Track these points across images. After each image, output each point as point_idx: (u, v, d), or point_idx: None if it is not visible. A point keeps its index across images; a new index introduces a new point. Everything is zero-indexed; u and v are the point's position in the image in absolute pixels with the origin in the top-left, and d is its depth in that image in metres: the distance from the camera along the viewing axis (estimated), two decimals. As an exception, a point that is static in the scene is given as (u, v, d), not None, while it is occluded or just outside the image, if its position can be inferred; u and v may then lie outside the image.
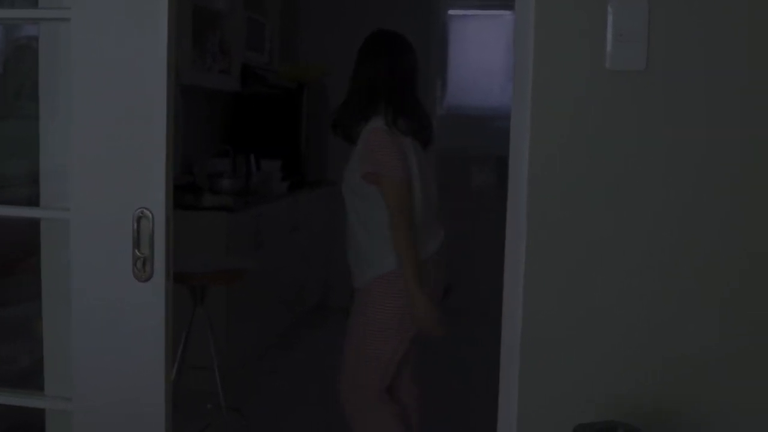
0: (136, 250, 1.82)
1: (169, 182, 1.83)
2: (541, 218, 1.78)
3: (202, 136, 5.46)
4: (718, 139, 1.74)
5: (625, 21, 1.72)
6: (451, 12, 6.34)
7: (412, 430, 3.08)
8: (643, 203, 1.76)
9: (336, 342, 3.18)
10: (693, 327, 1.77)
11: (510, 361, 1.84)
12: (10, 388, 2.17)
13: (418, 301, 2.77)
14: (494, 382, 1.88)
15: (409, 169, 2.81)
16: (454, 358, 5.01)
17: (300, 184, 5.56)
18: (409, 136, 2.86)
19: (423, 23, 6.31)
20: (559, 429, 1.77)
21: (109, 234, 1.84)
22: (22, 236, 2.30)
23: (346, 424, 3.05)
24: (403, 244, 2.77)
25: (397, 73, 2.91)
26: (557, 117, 1.77)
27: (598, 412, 1.77)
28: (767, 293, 1.76)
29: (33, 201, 2.05)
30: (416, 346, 3.02)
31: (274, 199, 5.14)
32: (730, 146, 1.74)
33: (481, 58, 6.15)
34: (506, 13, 6.06)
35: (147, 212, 1.81)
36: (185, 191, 4.73)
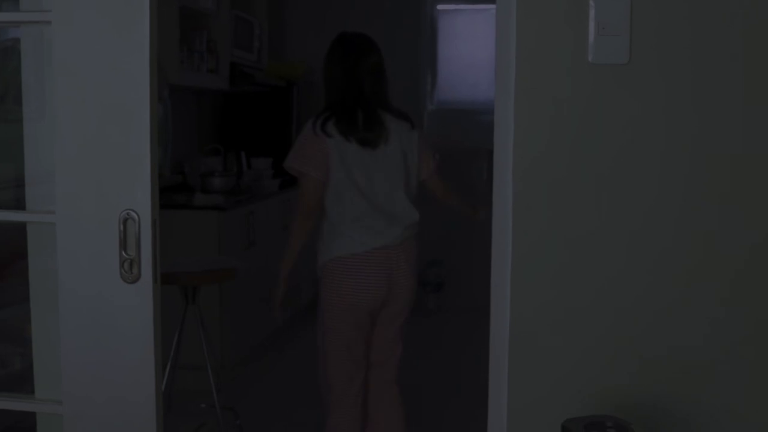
0: (123, 252, 1.82)
1: (154, 183, 1.83)
2: (527, 213, 1.78)
3: (192, 135, 5.45)
4: (703, 132, 1.73)
5: (608, 14, 1.72)
6: (439, 7, 6.35)
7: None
8: (628, 197, 1.76)
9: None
10: (679, 322, 1.77)
11: (499, 356, 1.84)
12: (0, 391, 2.16)
13: (278, 281, 3.11)
14: (486, 378, 1.88)
15: (328, 169, 2.89)
16: (447, 355, 5.03)
17: (291, 182, 5.54)
18: (341, 137, 2.91)
19: (412, 19, 6.32)
20: (549, 423, 1.77)
21: (96, 236, 1.84)
22: (10, 239, 2.30)
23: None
24: (290, 231, 3.06)
25: (349, 76, 2.97)
26: (540, 111, 1.76)
27: (587, 406, 1.77)
28: (754, 290, 1.76)
29: (20, 204, 2.05)
30: (395, 348, 3.11)
31: (266, 196, 5.13)
32: (715, 140, 1.73)
33: (470, 53, 6.15)
34: (494, 8, 6.03)
35: (133, 214, 1.81)
36: (176, 191, 4.72)
